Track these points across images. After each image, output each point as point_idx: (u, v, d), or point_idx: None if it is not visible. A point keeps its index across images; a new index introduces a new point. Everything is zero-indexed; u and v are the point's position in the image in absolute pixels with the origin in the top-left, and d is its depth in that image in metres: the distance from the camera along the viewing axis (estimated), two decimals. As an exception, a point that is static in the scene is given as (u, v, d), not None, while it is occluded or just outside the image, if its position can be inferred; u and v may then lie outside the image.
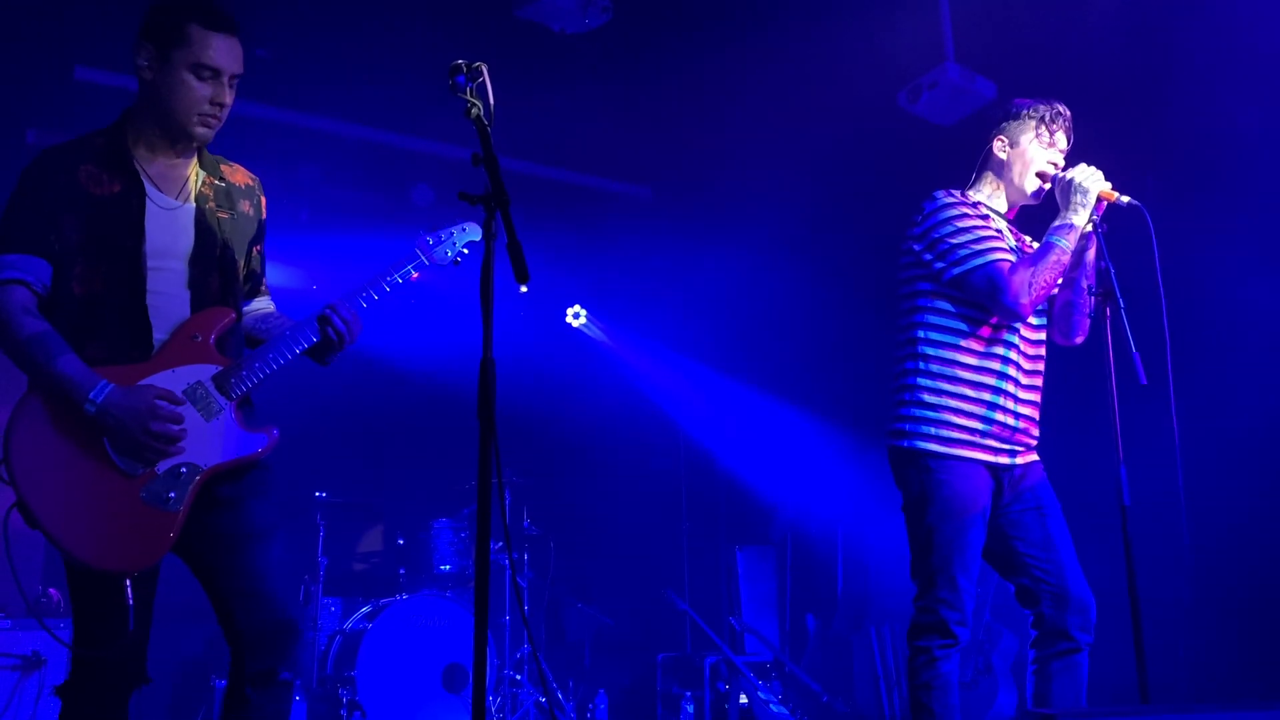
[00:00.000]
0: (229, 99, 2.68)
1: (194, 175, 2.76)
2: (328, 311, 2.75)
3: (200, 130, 2.68)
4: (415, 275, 2.94)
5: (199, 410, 2.62)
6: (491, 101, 2.38)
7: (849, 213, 6.79)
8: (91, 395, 2.49)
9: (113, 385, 2.52)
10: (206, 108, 2.66)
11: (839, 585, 6.76)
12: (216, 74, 2.65)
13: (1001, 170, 3.42)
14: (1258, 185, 5.44)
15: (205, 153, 2.80)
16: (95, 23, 5.38)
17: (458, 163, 6.80)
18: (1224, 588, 5.23)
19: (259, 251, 2.92)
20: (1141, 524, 3.12)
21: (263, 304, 2.98)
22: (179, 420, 2.56)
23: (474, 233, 3.00)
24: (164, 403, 2.55)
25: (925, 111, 5.56)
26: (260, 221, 2.90)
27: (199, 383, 2.63)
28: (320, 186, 6.79)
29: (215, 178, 2.80)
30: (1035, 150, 3.37)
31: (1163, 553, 4.31)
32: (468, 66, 2.36)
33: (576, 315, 7.72)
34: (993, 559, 3.34)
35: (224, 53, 2.65)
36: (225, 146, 2.89)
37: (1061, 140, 3.40)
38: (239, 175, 2.88)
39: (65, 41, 5.66)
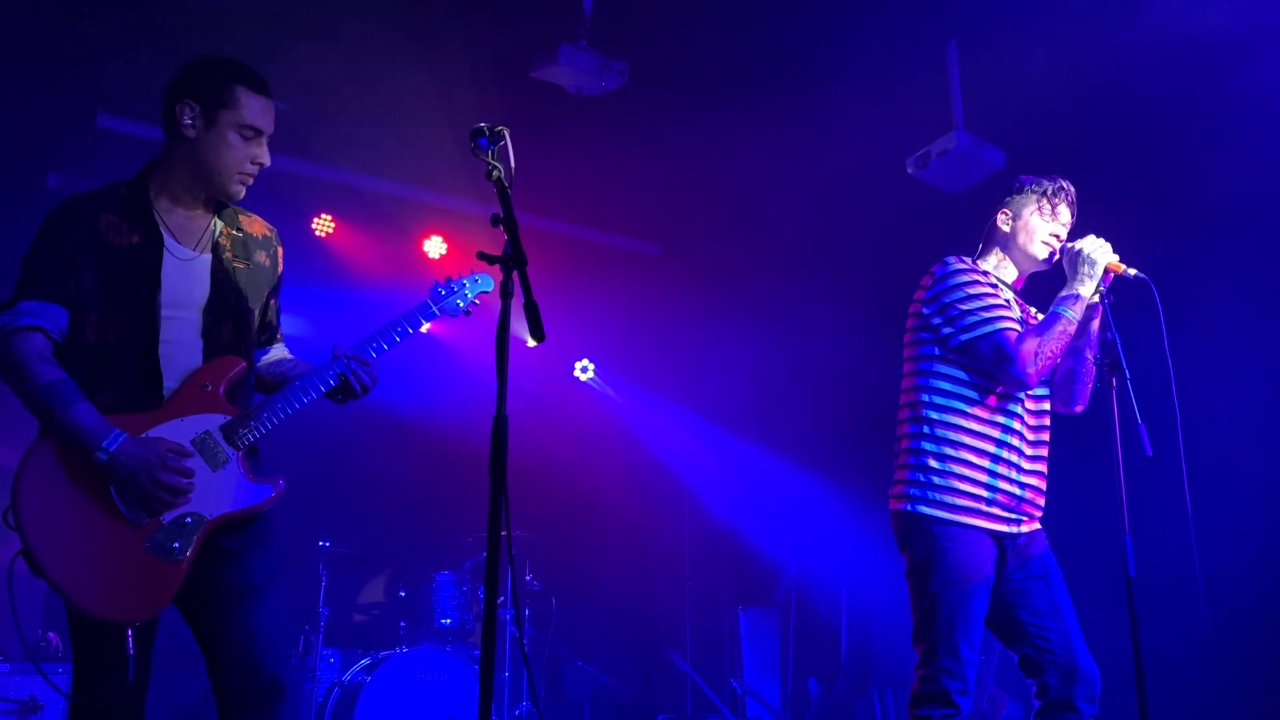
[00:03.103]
0: (268, 159, 2.78)
1: (213, 226, 2.80)
2: (354, 364, 2.78)
3: (237, 189, 2.77)
4: (426, 327, 2.96)
5: (206, 460, 2.63)
6: (512, 164, 2.42)
7: (855, 275, 6.84)
8: (105, 444, 2.51)
9: (125, 435, 2.53)
10: (248, 167, 2.75)
11: (842, 649, 6.70)
12: (259, 134, 2.74)
13: (1006, 243, 3.45)
14: (1267, 257, 5.47)
15: (225, 204, 2.84)
16: (119, 72, 5.48)
17: (472, 216, 6.89)
18: (1233, 658, 5.19)
19: (275, 302, 2.95)
20: (1148, 595, 3.11)
21: (279, 351, 3.01)
22: (188, 473, 2.58)
23: (486, 283, 3.02)
24: (174, 455, 2.57)
25: (934, 178, 5.63)
26: (277, 273, 2.94)
27: (207, 432, 2.65)
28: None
29: (233, 228, 2.84)
30: (1037, 223, 3.41)
31: (1170, 623, 4.28)
32: (490, 130, 2.40)
33: (584, 369, 7.74)
34: (995, 627, 3.32)
35: (266, 114, 2.76)
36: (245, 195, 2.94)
37: (1064, 214, 3.44)
38: (257, 226, 2.92)
39: (89, 89, 5.77)
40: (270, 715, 2.61)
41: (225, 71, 2.73)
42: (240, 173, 2.74)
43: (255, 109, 2.72)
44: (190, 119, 2.70)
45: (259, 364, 2.94)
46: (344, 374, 2.78)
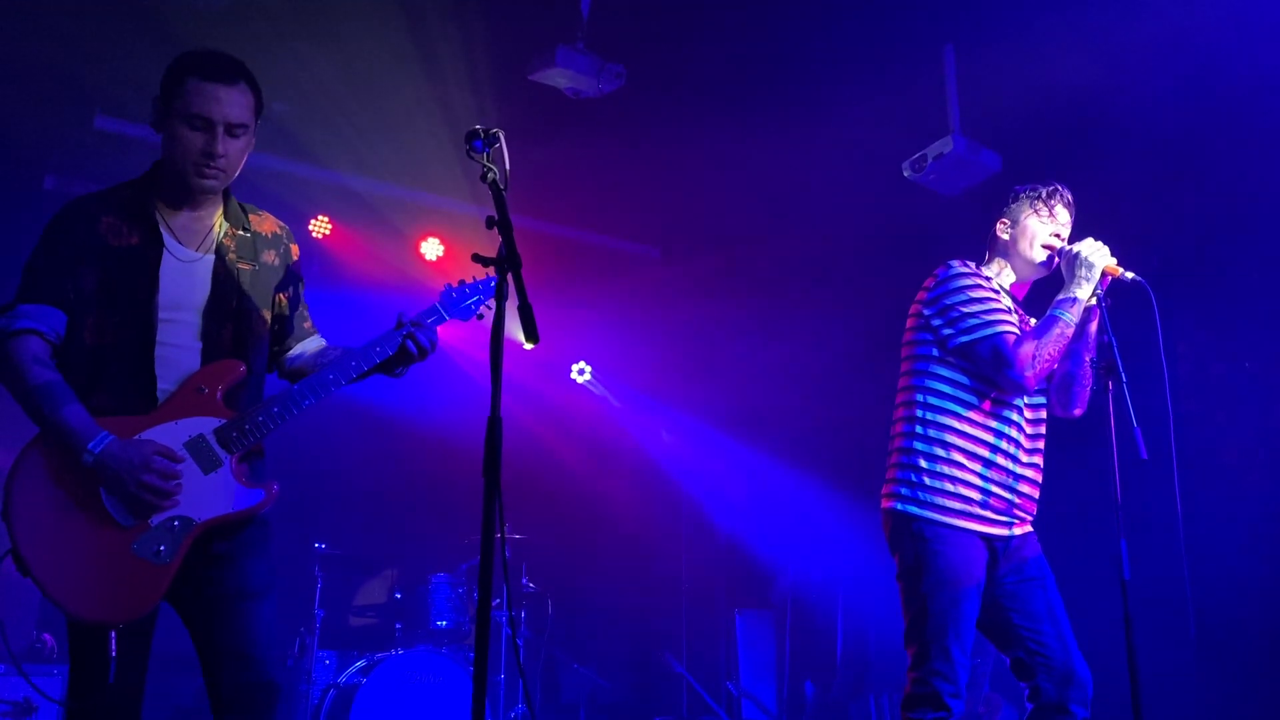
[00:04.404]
0: (223, 148, 2.67)
1: (217, 226, 2.78)
2: (417, 333, 2.79)
3: (198, 181, 2.70)
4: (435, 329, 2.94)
5: (198, 463, 2.62)
6: (508, 167, 2.42)
7: (851, 277, 6.85)
8: (90, 446, 2.51)
9: (112, 437, 2.53)
10: (201, 158, 2.66)
11: (838, 652, 6.70)
12: (209, 124, 2.65)
13: (1006, 250, 3.46)
14: (1264, 261, 5.48)
15: (233, 203, 2.82)
16: (116, 73, 5.49)
17: (469, 218, 6.89)
18: (1227, 662, 5.19)
19: (287, 298, 2.91)
20: (1142, 598, 3.11)
21: (312, 343, 2.99)
22: (175, 475, 2.57)
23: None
24: (161, 457, 2.56)
25: (929, 182, 5.63)
26: (287, 268, 2.91)
27: (200, 435, 2.63)
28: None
29: (240, 228, 2.82)
30: (1036, 226, 3.41)
31: (1164, 627, 4.28)
32: (485, 132, 2.40)
33: (581, 371, 7.74)
34: (988, 630, 3.32)
35: (217, 102, 2.64)
36: (241, 196, 2.92)
37: (1062, 215, 3.44)
38: (267, 225, 2.90)
39: (86, 91, 5.76)
40: (265, 717, 2.61)
41: (180, 63, 2.68)
42: (195, 164, 2.66)
43: (204, 96, 2.62)
44: (155, 116, 2.70)
45: (299, 361, 2.92)
46: (405, 339, 2.78)
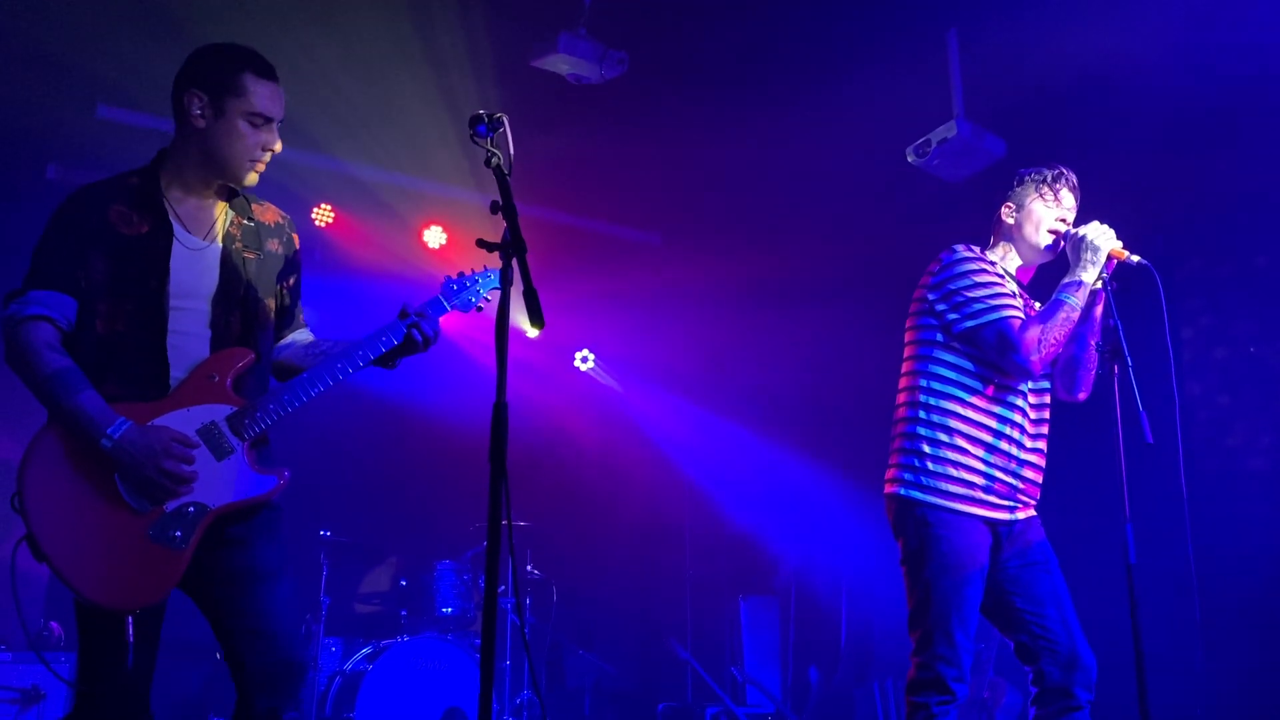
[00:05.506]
0: (279, 144, 2.78)
1: (223, 215, 2.81)
2: (421, 324, 2.81)
3: (249, 175, 2.78)
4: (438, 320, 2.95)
5: (211, 450, 2.64)
6: (511, 152, 2.42)
7: (855, 263, 6.84)
8: (109, 431, 2.52)
9: (130, 423, 2.55)
10: (259, 154, 2.76)
11: (843, 637, 6.71)
12: (269, 121, 2.75)
13: (1011, 235, 3.46)
14: (1268, 244, 5.47)
15: (237, 193, 2.85)
16: (119, 63, 5.48)
17: (471, 206, 6.88)
18: (1231, 645, 5.20)
19: (287, 288, 2.94)
20: (1147, 582, 3.12)
21: (301, 335, 3.01)
22: (191, 461, 2.59)
23: (499, 279, 3.00)
24: (178, 443, 2.58)
25: (933, 167, 5.62)
26: (288, 258, 2.93)
27: (213, 422, 2.65)
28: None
29: (245, 217, 2.84)
30: (1041, 209, 3.41)
31: (1169, 611, 4.29)
32: (489, 117, 2.40)
33: (584, 359, 7.74)
34: (992, 614, 3.33)
35: (275, 100, 2.76)
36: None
37: (1067, 198, 3.44)
38: (269, 214, 2.93)
39: (89, 80, 5.76)
40: (289, 694, 2.64)
41: (232, 59, 2.73)
42: (252, 159, 2.75)
43: (263, 96, 2.72)
44: (199, 109, 2.71)
45: (287, 352, 2.94)
46: (410, 329, 2.80)
